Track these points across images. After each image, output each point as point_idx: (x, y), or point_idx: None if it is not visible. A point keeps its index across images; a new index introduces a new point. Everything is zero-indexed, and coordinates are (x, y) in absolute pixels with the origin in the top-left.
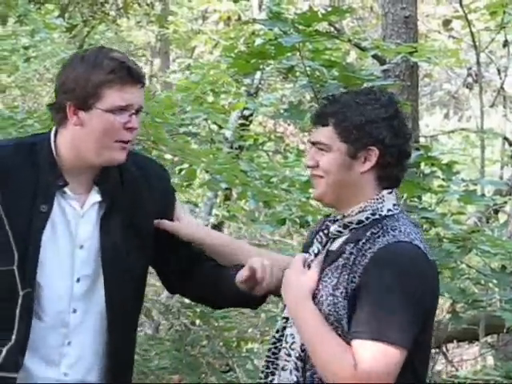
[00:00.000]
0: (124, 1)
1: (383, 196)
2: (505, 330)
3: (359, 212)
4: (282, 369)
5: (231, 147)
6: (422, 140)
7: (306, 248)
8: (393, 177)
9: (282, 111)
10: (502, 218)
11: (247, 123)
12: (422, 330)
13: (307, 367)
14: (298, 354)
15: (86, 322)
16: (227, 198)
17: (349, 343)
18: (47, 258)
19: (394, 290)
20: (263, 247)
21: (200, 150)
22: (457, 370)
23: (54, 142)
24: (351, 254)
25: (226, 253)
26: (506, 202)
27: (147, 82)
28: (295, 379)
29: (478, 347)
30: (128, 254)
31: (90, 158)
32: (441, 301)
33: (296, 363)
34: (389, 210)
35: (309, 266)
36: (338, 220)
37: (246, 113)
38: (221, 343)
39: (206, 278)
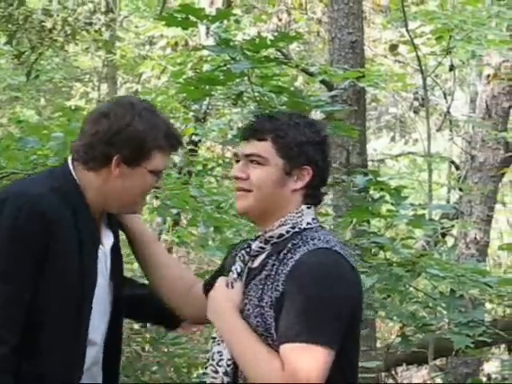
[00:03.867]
0: (72, 27)
1: (302, 210)
2: (453, 353)
3: (279, 226)
4: None
5: (179, 173)
6: (369, 164)
7: (224, 269)
8: (316, 198)
9: (230, 136)
10: (450, 241)
11: (196, 149)
12: (348, 336)
13: (239, 382)
14: (224, 370)
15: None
16: (176, 223)
17: (278, 351)
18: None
19: (316, 295)
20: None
21: None
22: None
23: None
24: (273, 265)
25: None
26: (453, 226)
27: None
28: None
29: (427, 370)
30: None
31: (112, 206)
32: (390, 324)
33: (223, 379)
34: (308, 224)
35: (231, 284)
36: (259, 237)
37: (195, 138)
38: (171, 369)
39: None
